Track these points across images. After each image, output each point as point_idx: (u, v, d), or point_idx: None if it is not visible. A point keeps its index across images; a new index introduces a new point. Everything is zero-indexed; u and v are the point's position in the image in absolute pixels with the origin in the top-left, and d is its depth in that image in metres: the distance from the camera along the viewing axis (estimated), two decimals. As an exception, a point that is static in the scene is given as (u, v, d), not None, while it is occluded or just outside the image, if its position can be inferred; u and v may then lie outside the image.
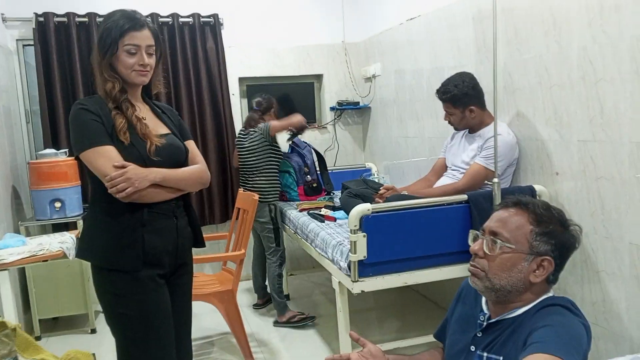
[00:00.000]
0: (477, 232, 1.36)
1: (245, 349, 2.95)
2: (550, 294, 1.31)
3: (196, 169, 1.86)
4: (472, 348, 1.33)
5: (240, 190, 3.45)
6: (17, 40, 3.77)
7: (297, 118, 3.56)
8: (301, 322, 3.46)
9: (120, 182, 1.62)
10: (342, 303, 2.51)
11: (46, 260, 2.49)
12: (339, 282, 2.50)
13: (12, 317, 2.39)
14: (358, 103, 4.50)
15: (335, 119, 4.58)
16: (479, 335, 1.34)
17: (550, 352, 1.09)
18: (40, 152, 3.50)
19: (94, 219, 1.77)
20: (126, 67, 1.70)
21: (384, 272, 2.41)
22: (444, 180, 2.85)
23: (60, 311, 3.50)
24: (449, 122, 2.76)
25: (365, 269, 2.36)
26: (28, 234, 3.35)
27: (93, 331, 3.46)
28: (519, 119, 2.64)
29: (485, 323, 1.33)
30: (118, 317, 1.74)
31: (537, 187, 2.47)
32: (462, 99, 2.63)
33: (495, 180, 2.33)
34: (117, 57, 1.70)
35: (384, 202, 2.62)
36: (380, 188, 2.87)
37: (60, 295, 3.42)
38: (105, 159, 1.64)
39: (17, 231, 3.32)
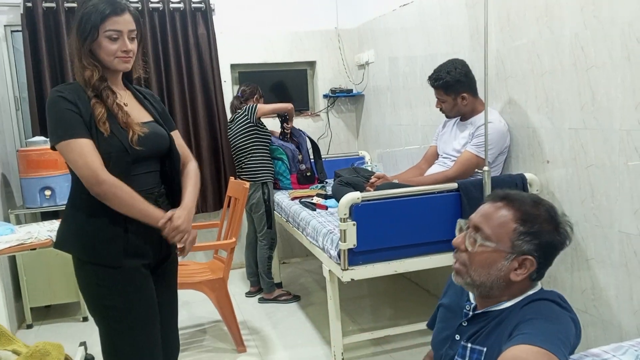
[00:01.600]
0: (463, 222, 1.34)
1: (237, 337, 2.95)
2: (537, 288, 1.29)
3: (197, 176, 1.91)
4: (457, 337, 1.33)
5: (232, 178, 3.43)
6: (4, 26, 3.71)
7: (285, 104, 3.68)
8: (287, 300, 3.57)
9: (173, 235, 1.70)
10: (332, 291, 2.51)
11: (34, 249, 2.47)
12: (329, 270, 2.50)
13: (1, 305, 2.38)
14: (351, 90, 4.47)
15: (328, 106, 4.55)
16: (464, 325, 1.33)
17: (535, 343, 1.07)
18: (29, 140, 3.47)
19: (73, 211, 1.72)
20: (108, 53, 1.65)
21: (374, 260, 2.41)
22: (435, 168, 2.84)
23: (52, 299, 3.49)
24: (441, 110, 2.75)
25: (355, 257, 2.36)
26: (18, 222, 3.34)
27: (85, 319, 3.46)
28: (511, 106, 2.62)
29: (471, 313, 1.32)
30: (102, 309, 1.72)
31: (528, 176, 2.46)
32: (454, 86, 2.60)
33: (486, 168, 2.32)
34: (98, 44, 1.64)
35: (375, 190, 2.61)
36: (372, 176, 2.86)
37: (52, 283, 3.41)
38: (77, 153, 1.59)
39: (7, 219, 3.30)
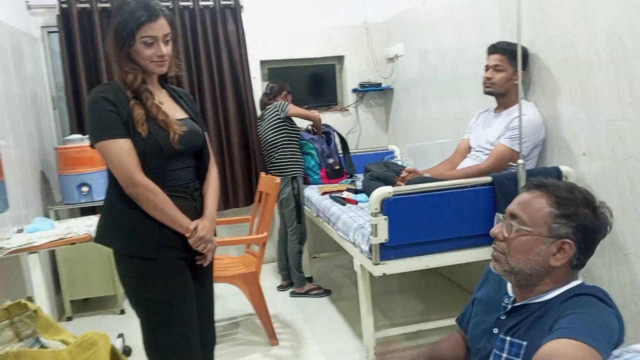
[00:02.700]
0: (501, 215, 1.34)
1: (269, 330, 2.99)
2: (579, 282, 1.27)
3: (217, 184, 1.94)
4: (495, 330, 1.32)
5: (262, 173, 3.47)
6: (41, 27, 3.81)
7: (315, 114, 3.72)
8: (318, 294, 3.60)
9: (198, 245, 1.77)
10: (364, 286, 2.52)
11: (74, 243, 2.55)
12: (361, 265, 2.50)
13: (42, 298, 2.46)
14: (380, 84, 4.45)
15: (357, 101, 4.54)
16: (502, 318, 1.32)
17: (575, 337, 1.06)
18: (66, 138, 3.57)
19: (110, 206, 1.79)
20: (144, 58, 1.70)
21: (406, 255, 2.40)
22: (468, 162, 2.80)
23: (90, 292, 3.59)
24: (487, 82, 2.62)
25: (387, 252, 2.35)
26: (57, 218, 3.44)
27: (122, 312, 3.54)
28: (545, 98, 2.57)
29: (509, 306, 1.32)
30: (141, 301, 1.78)
31: (563, 169, 2.42)
32: (522, 58, 2.52)
33: (520, 161, 2.28)
34: (134, 49, 1.69)
35: (406, 184, 2.60)
36: (402, 171, 2.84)
37: (90, 277, 3.50)
38: (115, 154, 1.66)
39: (46, 215, 3.41)
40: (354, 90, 4.50)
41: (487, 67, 2.64)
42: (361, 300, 2.54)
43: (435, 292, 3.61)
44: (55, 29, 3.75)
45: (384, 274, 2.37)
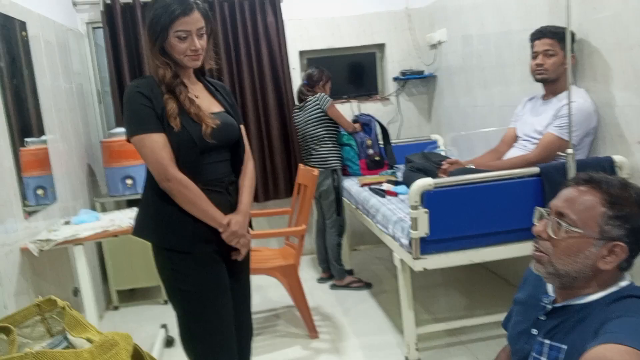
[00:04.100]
0: (543, 210, 1.25)
1: (309, 322, 2.97)
2: (627, 282, 1.18)
3: (253, 178, 1.92)
4: (534, 331, 1.24)
5: (301, 165, 3.44)
6: (87, 23, 3.90)
7: (350, 125, 3.68)
8: (358, 287, 3.56)
9: (231, 239, 1.77)
10: (404, 280, 2.46)
11: (116, 236, 2.60)
12: (401, 259, 2.44)
13: (87, 288, 2.53)
14: (422, 72, 4.34)
15: (398, 89, 4.44)
16: (542, 319, 1.24)
17: (624, 342, 0.98)
18: (111, 131, 3.65)
19: (147, 200, 1.80)
20: (178, 52, 1.70)
21: (448, 249, 2.33)
22: (514, 152, 2.69)
23: (135, 283, 3.68)
24: (538, 68, 2.49)
25: (428, 245, 2.29)
26: (104, 210, 3.54)
27: (166, 302, 3.62)
28: (596, 83, 2.43)
29: (549, 307, 1.24)
30: (177, 293, 1.79)
31: (616, 158, 2.28)
32: (571, 42, 2.40)
33: (570, 151, 2.16)
34: (168, 43, 1.69)
35: (448, 176, 2.51)
36: (443, 162, 2.75)
37: (135, 267, 3.59)
38: (149, 148, 1.67)
39: (92, 207, 3.51)
40: (395, 79, 4.40)
41: (536, 54, 2.51)
42: (402, 294, 2.48)
43: (480, 286, 3.50)
44: (100, 25, 3.83)
45: (425, 269, 2.30)
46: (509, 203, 2.32)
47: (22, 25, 2.71)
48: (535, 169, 2.33)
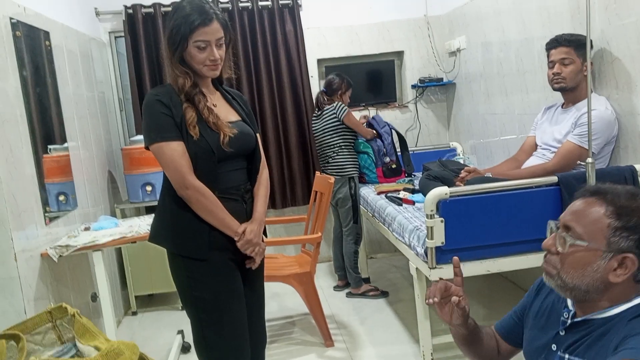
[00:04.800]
0: (553, 224, 1.22)
1: (325, 331, 2.96)
2: None
3: (267, 187, 1.92)
4: (554, 347, 1.22)
5: (318, 172, 3.45)
6: (109, 32, 3.98)
7: (367, 132, 3.66)
8: (375, 296, 3.54)
9: (246, 248, 1.78)
10: (420, 290, 2.43)
11: (134, 242, 2.64)
12: (417, 268, 2.42)
13: (106, 294, 2.57)
14: (441, 79, 4.31)
15: (417, 97, 4.42)
16: (561, 334, 1.21)
17: None
18: (131, 139, 3.70)
19: (164, 207, 1.83)
20: (197, 62, 1.72)
21: (464, 259, 2.27)
22: (533, 161, 2.65)
23: (154, 288, 3.72)
24: (555, 77, 2.45)
25: (444, 255, 2.26)
26: (124, 216, 3.58)
27: (183, 308, 3.63)
28: (619, 91, 2.38)
29: (569, 321, 1.21)
30: (192, 300, 1.81)
31: (638, 167, 2.22)
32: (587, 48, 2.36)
33: (589, 160, 2.11)
34: (187, 53, 1.71)
35: (465, 185, 2.49)
36: (461, 170, 2.73)
37: (153, 273, 3.62)
38: (168, 156, 1.69)
39: (113, 213, 3.56)
40: (414, 86, 4.39)
41: (552, 63, 2.48)
42: (418, 304, 2.46)
43: (499, 295, 3.45)
44: (122, 34, 3.90)
45: (440, 279, 2.27)
46: (527, 212, 2.28)
47: (46, 35, 2.78)
48: (553, 178, 2.29)
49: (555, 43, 2.46)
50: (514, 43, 3.26)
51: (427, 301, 1.34)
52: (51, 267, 2.48)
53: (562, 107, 2.59)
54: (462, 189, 2.32)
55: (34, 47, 2.62)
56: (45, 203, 2.53)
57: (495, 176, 2.55)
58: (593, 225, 1.13)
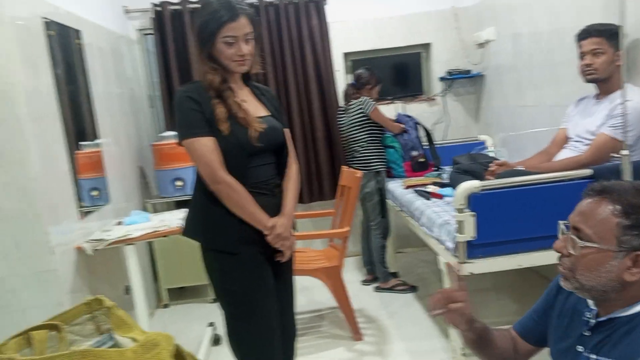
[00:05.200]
0: (563, 225, 1.19)
1: (353, 325, 2.97)
2: None
3: (297, 181, 1.93)
4: (579, 348, 1.20)
5: (344, 167, 3.44)
6: (138, 30, 4.04)
7: (395, 127, 3.63)
8: (403, 290, 3.53)
9: (276, 242, 1.79)
10: (450, 284, 2.41)
11: (166, 236, 2.68)
12: (446, 263, 2.40)
13: (138, 286, 2.62)
14: (470, 71, 4.25)
15: (445, 89, 4.37)
16: (586, 334, 1.19)
17: None
18: (161, 135, 3.76)
19: (196, 202, 1.85)
20: (226, 58, 1.73)
21: (496, 253, 2.27)
22: (566, 153, 2.60)
23: (185, 281, 3.77)
24: (587, 68, 2.40)
25: (475, 249, 2.24)
26: (155, 211, 3.64)
27: (213, 300, 3.69)
28: (656, 81, 2.31)
29: (593, 321, 1.19)
30: (224, 293, 1.83)
31: (676, 159, 2.16)
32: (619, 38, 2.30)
33: (624, 152, 2.06)
34: (216, 49, 1.73)
35: (496, 178, 2.45)
36: (490, 164, 2.69)
37: (184, 266, 3.67)
38: (199, 152, 1.72)
39: (143, 208, 3.62)
40: (442, 79, 4.33)
41: (583, 54, 2.41)
42: (447, 299, 2.43)
43: (531, 291, 3.39)
44: (150, 31, 3.95)
45: (471, 274, 2.25)
46: (560, 206, 2.20)
47: (77, 33, 2.83)
48: (588, 171, 2.24)
49: (585, 34, 2.40)
50: (545, 34, 3.19)
51: (431, 313, 1.33)
52: (85, 261, 2.54)
53: (595, 99, 2.52)
54: (493, 182, 2.29)
55: (66, 46, 2.68)
56: (79, 198, 2.59)
57: (527, 169, 2.51)
58: (602, 225, 1.10)
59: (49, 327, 0.97)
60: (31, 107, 2.21)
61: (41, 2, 2.46)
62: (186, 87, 1.82)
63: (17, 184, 2.16)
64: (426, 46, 4.40)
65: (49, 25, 2.47)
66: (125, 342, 0.89)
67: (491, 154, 3.62)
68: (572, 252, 1.14)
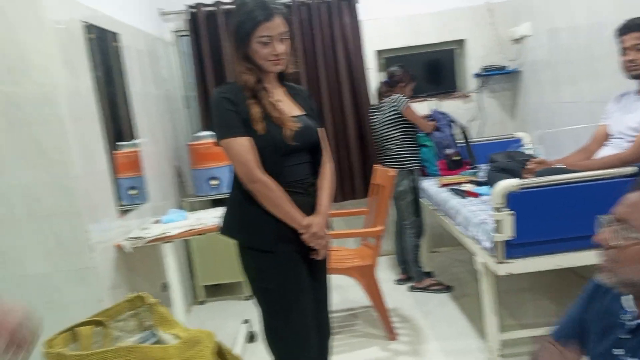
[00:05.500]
0: (605, 217, 1.16)
1: (387, 324, 2.95)
2: None
3: (332, 180, 1.93)
4: (617, 352, 1.16)
5: (376, 165, 3.42)
6: (173, 31, 4.11)
7: (427, 125, 3.59)
8: (438, 290, 3.48)
9: (311, 241, 1.80)
10: (486, 285, 2.38)
11: (202, 234, 2.72)
12: (483, 262, 2.36)
13: (176, 283, 2.67)
14: (505, 67, 4.17)
15: (480, 86, 4.29)
16: (625, 337, 1.15)
17: None
18: (196, 135, 3.81)
19: (233, 201, 1.87)
20: (261, 57, 1.74)
21: (535, 253, 2.23)
22: (607, 151, 2.52)
23: (220, 278, 3.83)
24: (631, 64, 2.32)
25: (513, 249, 2.20)
26: (191, 209, 3.70)
27: (247, 297, 3.72)
28: None
29: (631, 323, 1.15)
30: (260, 291, 1.85)
31: None
32: None
33: (671, 149, 1.99)
34: (251, 49, 1.74)
35: (535, 176, 2.40)
36: (528, 162, 2.63)
37: (219, 264, 3.73)
38: (235, 152, 1.74)
39: (180, 207, 3.68)
40: (477, 75, 4.26)
41: (625, 50, 2.34)
42: (484, 299, 2.40)
43: (570, 292, 3.26)
44: (185, 33, 4.01)
45: (509, 274, 2.21)
46: (601, 205, 2.15)
47: (115, 36, 2.90)
48: (631, 169, 2.17)
49: (626, 29, 2.32)
50: (584, 28, 3.10)
51: None
52: (124, 258, 2.60)
53: (636, 94, 2.44)
54: (532, 180, 2.25)
55: (104, 48, 2.75)
56: (118, 197, 2.65)
57: (567, 167, 2.44)
58: None
59: (94, 323, 1.00)
60: (72, 108, 2.27)
61: (81, 6, 2.52)
62: (222, 87, 1.84)
63: (59, 183, 2.22)
64: (460, 42, 4.33)
65: (89, 28, 2.54)
66: (167, 339, 0.91)
67: (528, 152, 3.54)
68: (616, 243, 1.11)
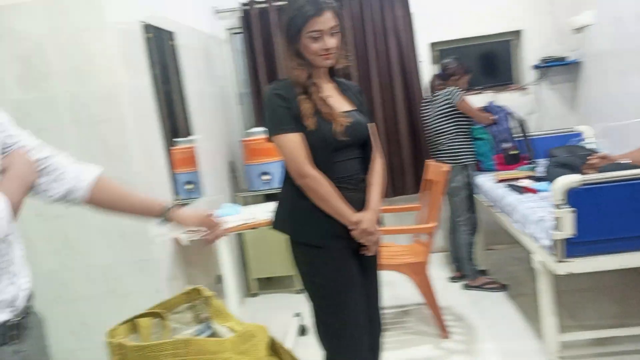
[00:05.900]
0: None
1: (439, 322, 2.91)
2: None
3: (382, 175, 1.91)
4: None
5: (429, 160, 3.36)
6: (227, 29, 4.18)
7: (484, 117, 3.51)
8: (493, 289, 3.40)
9: (361, 237, 1.79)
10: (545, 284, 2.30)
11: (255, 228, 2.76)
12: (541, 261, 2.28)
13: (229, 276, 2.72)
14: (565, 58, 3.99)
15: (538, 78, 4.14)
16: None
17: None
18: (249, 131, 3.87)
19: (285, 196, 1.89)
20: (311, 52, 1.75)
21: (597, 252, 2.13)
22: (678, 144, 2.38)
23: (272, 272, 3.89)
24: None
25: (574, 248, 2.12)
26: (245, 203, 3.77)
27: (298, 291, 3.76)
28: None
29: None
30: (311, 286, 1.86)
31: None
32: None
33: None
34: (302, 45, 1.75)
35: (597, 172, 2.29)
36: (589, 157, 2.51)
37: (271, 257, 3.79)
38: (286, 147, 1.75)
39: (233, 201, 3.76)
40: (536, 67, 4.11)
41: None
42: (542, 299, 2.32)
43: (634, 293, 3.15)
44: (238, 30, 4.07)
45: (570, 273, 2.12)
46: (672, 202, 2.05)
47: (171, 35, 2.98)
48: None
49: None
50: (654, 14, 2.93)
51: None
52: (181, 251, 2.68)
53: None
54: (595, 176, 2.15)
55: (161, 47, 2.83)
56: (175, 191, 2.74)
57: (634, 162, 2.32)
58: None
59: (153, 314, 1.04)
60: (133, 106, 2.36)
61: (140, 7, 2.61)
62: (275, 84, 1.86)
63: (122, 178, 2.29)
64: (516, 33, 4.19)
65: (147, 28, 2.62)
66: (222, 331, 0.93)
67: (590, 146, 3.39)
68: None
